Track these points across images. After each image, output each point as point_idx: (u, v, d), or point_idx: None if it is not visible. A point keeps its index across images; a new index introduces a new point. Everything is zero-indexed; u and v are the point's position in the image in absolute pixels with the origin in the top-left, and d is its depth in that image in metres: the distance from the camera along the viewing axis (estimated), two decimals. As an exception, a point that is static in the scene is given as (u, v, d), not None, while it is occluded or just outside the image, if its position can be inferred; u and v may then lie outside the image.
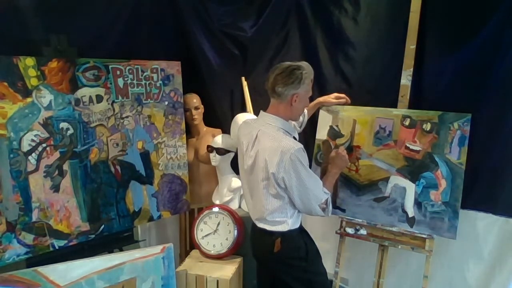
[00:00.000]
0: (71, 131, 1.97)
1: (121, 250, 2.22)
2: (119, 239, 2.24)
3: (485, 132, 2.00)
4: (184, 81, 2.39)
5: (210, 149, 2.45)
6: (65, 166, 1.96)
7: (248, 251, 2.09)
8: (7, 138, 1.78)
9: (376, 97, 2.30)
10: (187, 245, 2.72)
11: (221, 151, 2.43)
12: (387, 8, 2.28)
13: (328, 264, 2.04)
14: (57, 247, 1.95)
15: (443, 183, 1.97)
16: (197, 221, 2.36)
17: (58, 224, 1.95)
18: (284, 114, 1.77)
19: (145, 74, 2.22)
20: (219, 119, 2.71)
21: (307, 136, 2.44)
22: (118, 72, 2.12)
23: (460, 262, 2.22)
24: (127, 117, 2.17)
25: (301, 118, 2.15)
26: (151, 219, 2.33)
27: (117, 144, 2.15)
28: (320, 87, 2.47)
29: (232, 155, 2.48)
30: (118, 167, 2.16)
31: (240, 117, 2.28)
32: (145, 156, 2.26)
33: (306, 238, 1.87)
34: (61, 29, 1.99)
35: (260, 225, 1.83)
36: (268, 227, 1.80)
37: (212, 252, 2.30)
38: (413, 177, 2.04)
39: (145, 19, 2.37)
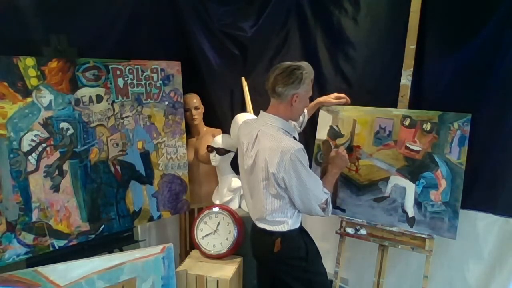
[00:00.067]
0: (71, 131, 1.97)
1: (121, 250, 2.22)
2: (119, 239, 2.24)
3: (485, 132, 2.00)
4: (184, 81, 2.39)
5: (210, 149, 2.45)
6: (65, 166, 1.96)
7: (248, 251, 2.09)
8: (7, 138, 1.78)
9: (376, 97, 2.30)
10: (187, 245, 2.72)
11: (221, 151, 2.43)
12: (387, 8, 2.28)
13: (328, 264, 2.04)
14: (57, 247, 1.95)
15: (443, 183, 1.97)
16: (197, 221, 2.36)
17: (58, 224, 1.95)
18: (284, 114, 1.77)
19: (145, 74, 2.22)
20: (219, 119, 2.71)
21: (307, 136, 2.44)
22: (118, 72, 2.12)
23: (460, 262, 2.22)
24: (127, 117, 2.17)
25: (301, 118, 2.15)
26: (151, 219, 2.33)
27: (117, 144, 2.15)
28: (320, 87, 2.47)
29: (232, 155, 2.48)
30: (118, 167, 2.16)
31: (240, 117, 2.28)
32: (145, 156, 2.26)
33: (306, 238, 1.87)
34: (61, 29, 1.99)
35: (260, 225, 1.83)
36: (268, 227, 1.80)
37: (212, 252, 2.30)
38: (413, 177, 2.04)
39: (145, 19, 2.37)
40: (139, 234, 2.61)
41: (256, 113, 2.10)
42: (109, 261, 1.63)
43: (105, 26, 2.22)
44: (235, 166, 2.28)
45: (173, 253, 1.76)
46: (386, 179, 2.11)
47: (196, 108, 2.56)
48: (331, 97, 2.27)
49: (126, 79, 2.15)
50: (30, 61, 1.82)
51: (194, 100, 2.55)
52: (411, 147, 2.06)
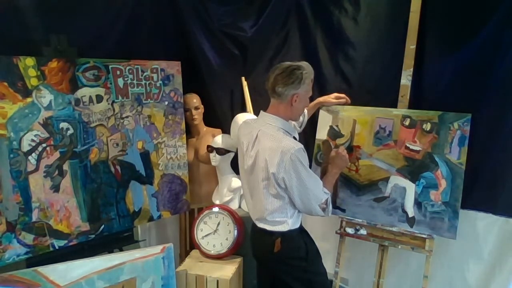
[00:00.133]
0: (71, 131, 1.97)
1: (121, 250, 2.22)
2: (119, 239, 2.24)
3: (485, 132, 2.00)
4: (184, 81, 2.38)
5: (210, 149, 2.45)
6: (65, 166, 1.96)
7: (248, 251, 2.09)
8: (7, 138, 1.78)
9: (376, 97, 2.30)
10: (187, 245, 2.72)
11: (221, 151, 2.43)
12: (387, 8, 2.28)
13: (328, 264, 2.04)
14: (57, 247, 1.95)
15: (443, 183, 1.97)
16: (197, 221, 2.36)
17: (58, 224, 1.95)
18: (284, 114, 1.77)
19: (145, 74, 2.22)
20: (219, 119, 2.71)
21: (307, 136, 2.44)
22: (118, 72, 2.12)
23: (460, 262, 2.22)
24: (127, 117, 2.17)
25: (301, 118, 2.15)
26: (151, 219, 2.33)
27: (117, 144, 2.15)
28: (320, 87, 2.47)
29: (232, 155, 2.48)
30: (118, 167, 2.16)
31: (240, 117, 2.28)
32: (145, 156, 2.26)
33: (306, 238, 1.87)
34: (61, 29, 1.99)
35: (260, 225, 1.83)
36: (268, 227, 1.80)
37: (212, 252, 2.30)
38: (413, 177, 2.04)
39: (145, 19, 2.37)
40: (139, 234, 2.60)
41: (256, 113, 2.10)
42: (109, 261, 1.63)
43: (105, 26, 2.22)
44: (235, 166, 2.28)
45: (173, 253, 1.76)
46: (386, 179, 2.11)
47: (196, 108, 2.56)
48: (331, 97, 2.27)
49: (126, 79, 2.15)
50: (30, 61, 1.82)
51: (194, 100, 2.55)
52: (411, 147, 2.06)
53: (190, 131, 2.62)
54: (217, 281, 2.12)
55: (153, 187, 2.31)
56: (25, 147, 1.83)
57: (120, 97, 2.14)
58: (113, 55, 2.15)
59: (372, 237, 2.14)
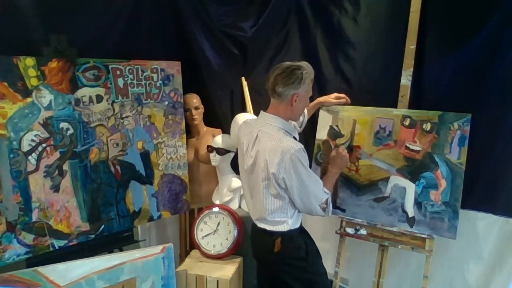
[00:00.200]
0: (71, 131, 1.97)
1: (121, 250, 2.22)
2: (119, 239, 2.24)
3: (485, 132, 2.00)
4: (184, 81, 2.39)
5: (210, 149, 2.45)
6: (65, 166, 1.96)
7: (248, 251, 2.09)
8: (7, 138, 1.78)
9: (376, 97, 2.30)
10: (187, 245, 2.72)
11: (221, 151, 2.43)
12: (387, 8, 2.28)
13: (328, 264, 2.04)
14: (57, 247, 1.95)
15: (443, 183, 1.97)
16: (197, 221, 2.36)
17: (58, 224, 1.95)
18: (284, 114, 1.77)
19: (145, 74, 2.22)
20: (219, 119, 2.71)
21: (307, 136, 2.44)
22: (118, 72, 2.11)
23: (460, 262, 2.22)
24: (127, 117, 2.17)
25: (301, 118, 2.15)
26: (151, 219, 2.33)
27: (117, 144, 2.15)
28: (320, 87, 2.47)
29: (232, 155, 2.48)
30: (118, 167, 2.16)
31: (240, 117, 2.28)
32: (145, 156, 2.26)
33: (306, 238, 1.87)
34: (61, 29, 1.99)
35: (260, 225, 1.83)
36: (268, 227, 1.80)
37: (212, 252, 2.30)
38: (413, 177, 2.04)
39: (145, 19, 2.37)
40: (139, 234, 2.60)
41: (256, 113, 2.10)
42: (109, 261, 1.63)
43: (105, 26, 2.22)
44: (235, 166, 2.28)
45: (173, 253, 1.76)
46: (386, 179, 2.11)
47: (196, 108, 2.56)
48: (331, 97, 2.27)
49: (126, 79, 2.15)
50: (30, 61, 1.82)
51: (194, 100, 2.55)
52: (411, 147, 2.06)
53: (190, 131, 2.62)
54: (217, 281, 2.12)
55: (153, 187, 2.31)
56: (25, 147, 1.83)
57: (120, 97, 2.14)
58: (113, 55, 2.15)
59: (372, 237, 2.14)
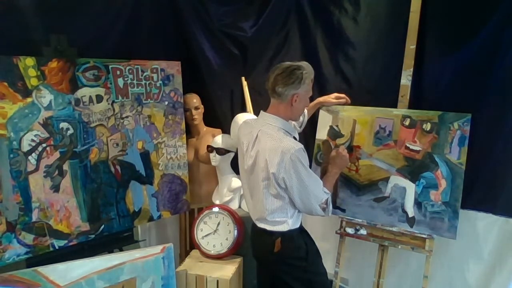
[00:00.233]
0: (71, 131, 1.97)
1: (121, 250, 2.22)
2: (119, 239, 2.24)
3: (485, 132, 2.00)
4: (184, 81, 2.38)
5: (210, 149, 2.45)
6: (65, 166, 1.96)
7: (248, 251, 2.09)
8: (7, 138, 1.78)
9: (376, 97, 2.30)
10: (187, 245, 2.72)
11: (221, 151, 2.43)
12: (387, 8, 2.28)
13: (328, 264, 2.04)
14: (57, 247, 1.95)
15: (443, 183, 1.97)
16: (197, 221, 2.36)
17: (58, 224, 1.95)
18: (284, 114, 1.77)
19: (145, 74, 2.22)
20: (219, 119, 2.71)
21: (307, 136, 2.44)
22: (118, 72, 2.11)
23: (460, 262, 2.22)
24: (127, 117, 2.17)
25: (301, 118, 2.15)
26: (151, 219, 2.33)
27: (117, 144, 2.15)
28: (320, 87, 2.47)
29: (232, 155, 2.48)
30: (118, 167, 2.16)
31: (240, 117, 2.28)
32: (145, 156, 2.26)
33: (306, 238, 1.87)
34: (61, 29, 1.99)
35: (261, 225, 1.83)
36: (268, 227, 1.80)
37: (212, 252, 2.30)
38: (413, 177, 2.04)
39: (145, 19, 2.37)
40: (139, 234, 2.60)
41: (256, 113, 2.10)
42: (109, 261, 1.63)
43: (105, 26, 2.22)
44: (235, 166, 2.28)
45: (173, 253, 1.76)
46: (386, 179, 2.11)
47: (196, 108, 2.56)
48: (331, 97, 2.27)
49: (126, 79, 2.15)
50: (30, 61, 1.82)
51: (194, 100, 2.55)
52: (411, 147, 2.06)
53: (190, 131, 2.62)
54: (217, 281, 2.12)
55: (153, 187, 2.31)
56: (25, 147, 1.83)
57: (120, 97, 2.14)
58: (113, 55, 2.15)
59: (372, 237, 2.14)
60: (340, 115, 2.26)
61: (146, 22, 2.38)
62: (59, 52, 1.94)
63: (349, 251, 2.45)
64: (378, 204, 2.13)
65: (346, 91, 2.33)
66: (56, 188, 1.93)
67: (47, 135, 1.89)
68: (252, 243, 1.96)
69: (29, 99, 1.83)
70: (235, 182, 2.46)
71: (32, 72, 1.83)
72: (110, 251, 2.18)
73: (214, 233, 2.33)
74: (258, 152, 1.73)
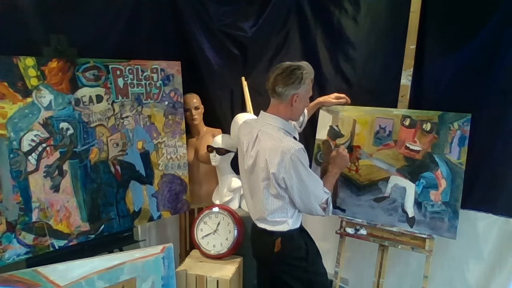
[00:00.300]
0: (71, 131, 1.97)
1: (121, 250, 2.22)
2: (119, 239, 2.24)
3: (485, 132, 2.00)
4: (184, 81, 2.38)
5: (210, 149, 2.45)
6: (65, 166, 1.96)
7: (248, 251, 2.09)
8: (7, 138, 1.78)
9: (376, 97, 2.30)
10: (187, 245, 2.72)
11: (221, 151, 2.43)
12: (387, 8, 2.28)
13: (328, 264, 2.04)
14: (57, 247, 1.95)
15: (443, 183, 1.97)
16: (197, 221, 2.36)
17: (58, 224, 1.95)
18: (284, 114, 1.77)
19: (145, 74, 2.22)
20: (219, 119, 2.71)
21: (307, 136, 2.44)
22: (118, 72, 2.11)
23: (460, 262, 2.22)
24: (127, 117, 2.17)
25: (301, 118, 2.15)
26: (151, 219, 2.33)
27: (117, 144, 2.15)
28: (320, 87, 2.47)
29: (232, 155, 2.48)
30: (118, 167, 2.16)
31: (240, 117, 2.28)
32: (145, 156, 2.26)
33: (307, 238, 1.87)
34: (61, 29, 1.99)
35: (261, 225, 1.83)
36: (269, 227, 1.80)
37: (212, 252, 2.30)
38: (413, 177, 2.04)
39: (145, 19, 2.37)
40: (139, 234, 2.61)
41: (256, 113, 2.10)
42: (109, 261, 1.63)
43: (105, 26, 2.22)
44: (235, 166, 2.28)
45: (173, 253, 1.76)
46: (386, 179, 2.11)
47: (196, 108, 2.56)
48: (331, 97, 2.27)
49: (126, 79, 2.15)
50: (30, 61, 1.82)
51: (194, 100, 2.55)
52: (411, 147, 2.06)
53: (190, 131, 2.62)
54: (217, 281, 2.12)
55: (153, 187, 2.31)
56: (25, 147, 1.83)
57: (120, 97, 2.14)
58: (113, 55, 2.15)
59: (372, 237, 2.14)
60: (340, 115, 2.26)
61: (146, 22, 2.38)
62: (59, 52, 1.94)
63: (349, 251, 2.45)
64: (378, 204, 2.13)
65: (346, 91, 2.33)
66: (56, 188, 1.93)
67: (47, 135, 1.89)
68: (252, 243, 1.96)
69: (29, 99, 1.83)
70: (235, 182, 2.46)
71: (32, 72, 1.83)
72: (110, 251, 2.17)
73: (214, 233, 2.33)
74: (258, 152, 1.73)
